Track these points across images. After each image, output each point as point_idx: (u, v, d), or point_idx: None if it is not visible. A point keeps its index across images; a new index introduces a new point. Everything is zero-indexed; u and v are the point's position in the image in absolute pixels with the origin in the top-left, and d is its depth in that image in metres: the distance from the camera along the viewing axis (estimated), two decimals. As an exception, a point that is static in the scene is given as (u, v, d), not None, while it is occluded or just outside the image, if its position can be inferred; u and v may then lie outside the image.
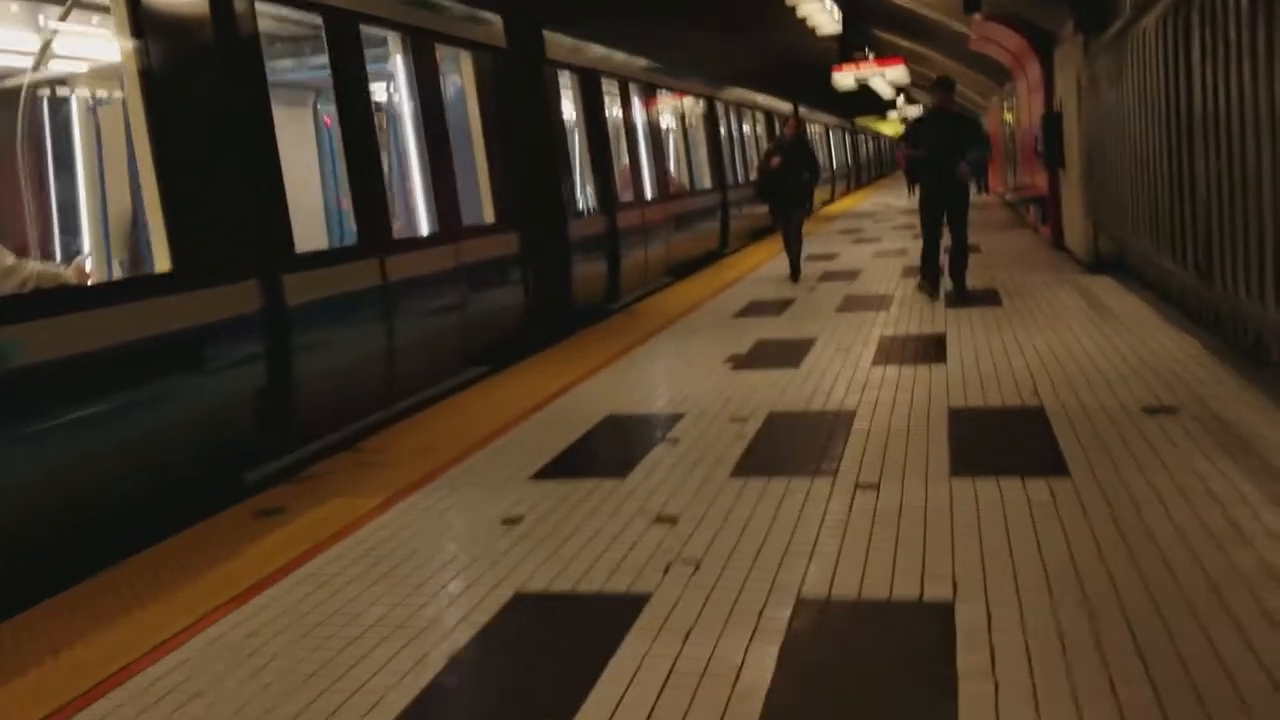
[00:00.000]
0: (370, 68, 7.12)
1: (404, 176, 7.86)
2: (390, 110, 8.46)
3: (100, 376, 4.57)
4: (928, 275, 10.21)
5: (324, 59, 6.55)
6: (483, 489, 4.89)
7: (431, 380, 7.37)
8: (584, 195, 11.93)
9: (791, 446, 5.34)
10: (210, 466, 5.22)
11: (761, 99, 23.09)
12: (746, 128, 20.42)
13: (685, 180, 16.10)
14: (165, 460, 4.92)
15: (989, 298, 9.81)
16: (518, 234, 9.09)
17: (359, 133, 6.78)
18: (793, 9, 16.97)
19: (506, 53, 9.33)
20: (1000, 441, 5.18)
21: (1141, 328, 7.73)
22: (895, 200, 29.54)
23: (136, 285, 5.27)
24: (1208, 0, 5.55)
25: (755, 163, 18.54)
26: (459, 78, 8.67)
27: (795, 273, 12.18)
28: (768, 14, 23.63)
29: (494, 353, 8.53)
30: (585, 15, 19.15)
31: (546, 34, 10.52)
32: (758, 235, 19.18)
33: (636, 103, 13.89)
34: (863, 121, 51.69)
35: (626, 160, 13.18)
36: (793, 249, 12.22)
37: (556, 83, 10.84)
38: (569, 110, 11.68)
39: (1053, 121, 12.29)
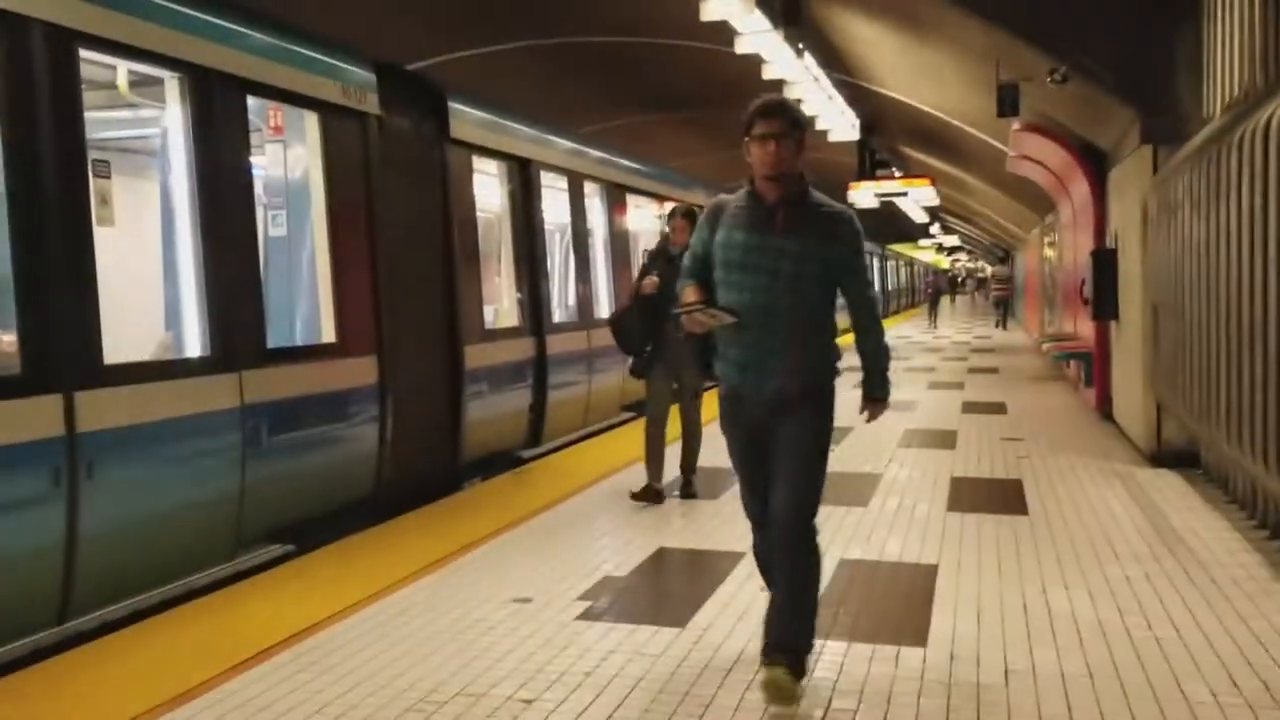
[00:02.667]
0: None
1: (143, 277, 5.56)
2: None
3: None
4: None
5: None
6: None
7: (163, 579, 5.00)
8: (498, 311, 9.29)
9: None
10: None
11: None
12: None
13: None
14: None
15: (1011, 497, 6.96)
16: (375, 358, 6.71)
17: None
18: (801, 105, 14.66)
19: (383, 121, 7.03)
20: None
21: (1251, 596, 4.84)
22: (918, 333, 26.85)
23: None
24: None
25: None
26: (300, 147, 6.37)
27: (683, 485, 6.94)
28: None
29: (327, 522, 6.12)
30: (578, 121, 17.43)
31: (455, 107, 8.07)
32: None
33: (595, 205, 11.43)
34: (896, 248, 49.51)
35: (571, 273, 10.72)
36: (673, 444, 6.93)
37: (468, 169, 8.38)
38: (485, 205, 9.08)
39: (1104, 260, 9.61)
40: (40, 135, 4.47)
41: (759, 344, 3.71)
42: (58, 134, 4.55)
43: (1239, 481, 6.58)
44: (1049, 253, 17.96)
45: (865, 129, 16.63)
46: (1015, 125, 10.92)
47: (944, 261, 79.22)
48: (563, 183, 10.49)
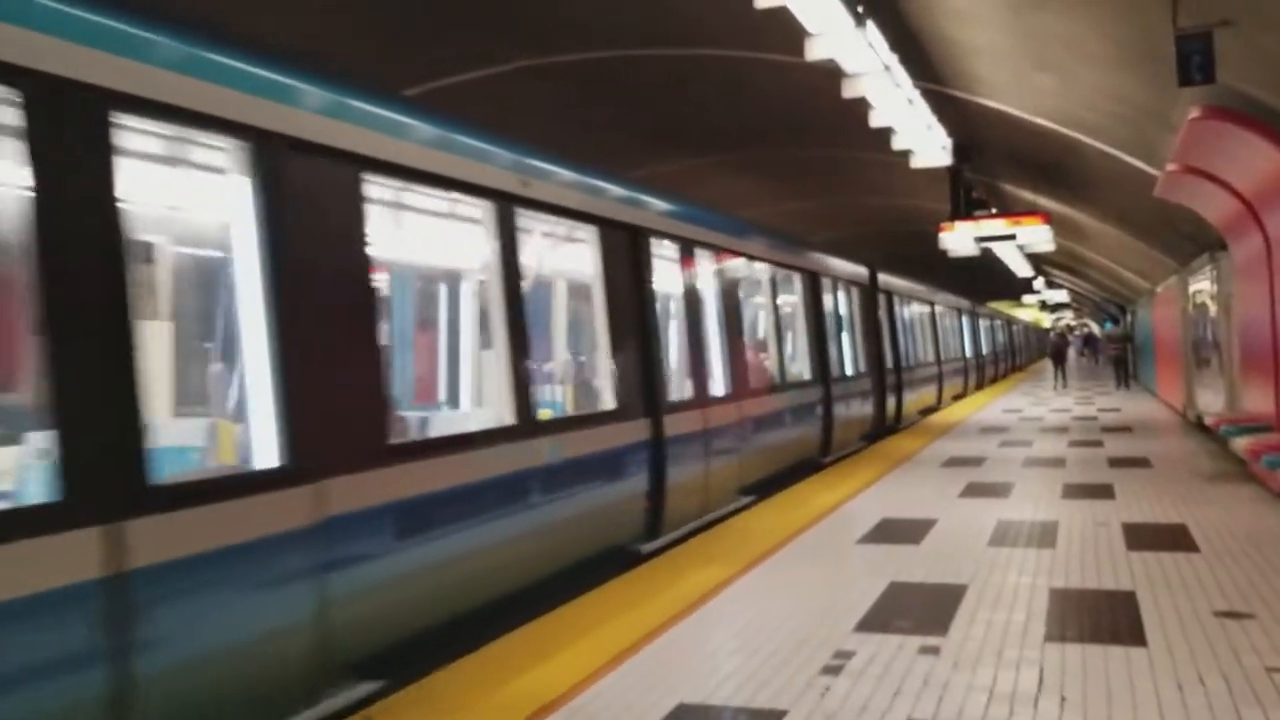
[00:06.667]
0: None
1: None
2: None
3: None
4: None
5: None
6: None
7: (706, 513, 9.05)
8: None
9: None
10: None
11: (941, 297, 25.05)
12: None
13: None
14: None
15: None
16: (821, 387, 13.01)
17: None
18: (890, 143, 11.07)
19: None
20: None
21: None
22: (1032, 406, 22.68)
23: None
24: None
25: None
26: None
27: None
28: (877, 175, 18.02)
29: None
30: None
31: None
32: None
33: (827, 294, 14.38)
34: (994, 306, 45.17)
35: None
36: None
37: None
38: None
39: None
40: (628, 299, 7.94)
41: None
42: (638, 294, 8.10)
43: None
44: (1207, 304, 13.96)
45: (958, 154, 13.00)
46: (1193, 112, 7.22)
47: (1045, 320, 74.13)
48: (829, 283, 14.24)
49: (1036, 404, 23.64)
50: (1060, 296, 47.27)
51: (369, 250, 5.09)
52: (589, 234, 7.51)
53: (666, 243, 8.71)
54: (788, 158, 16.92)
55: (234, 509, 4.13)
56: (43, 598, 3.36)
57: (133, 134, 4.28)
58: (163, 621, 3.76)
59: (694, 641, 5.46)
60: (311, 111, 4.77)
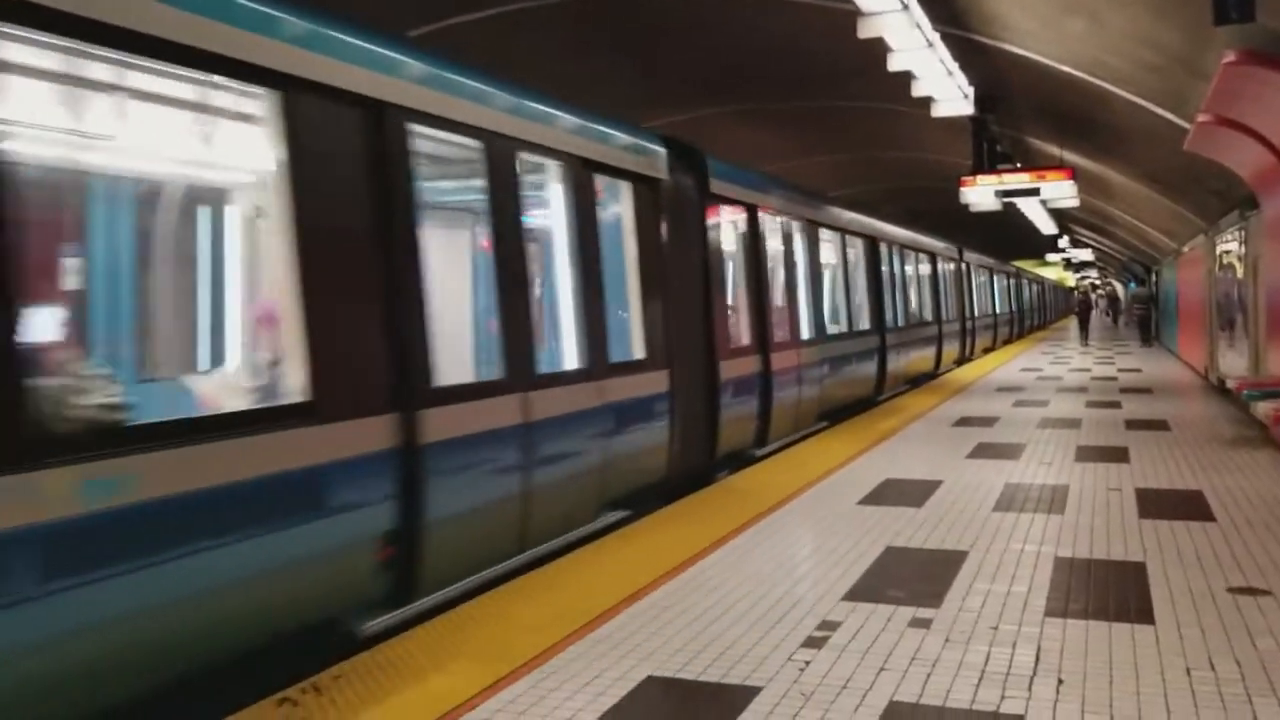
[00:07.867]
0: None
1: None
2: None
3: None
4: None
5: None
6: None
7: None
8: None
9: None
10: None
11: (997, 265, 31.27)
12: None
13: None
14: None
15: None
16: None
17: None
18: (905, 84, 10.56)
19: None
20: None
21: None
22: (1051, 365, 22.20)
23: None
24: None
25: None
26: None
27: None
28: (896, 130, 17.45)
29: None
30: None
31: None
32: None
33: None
34: (1020, 264, 44.41)
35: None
36: None
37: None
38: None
39: None
40: (871, 274, 16.03)
41: None
42: (873, 272, 16.11)
43: None
44: (1234, 264, 13.48)
45: (981, 104, 12.46)
46: (1228, 56, 6.76)
47: (1070, 279, 73.11)
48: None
49: (1056, 362, 23.19)
50: (1085, 255, 46.43)
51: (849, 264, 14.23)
52: (863, 247, 15.20)
53: (882, 244, 16.07)
54: (801, 109, 16.37)
55: (786, 354, 10.77)
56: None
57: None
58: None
59: (673, 607, 5.19)
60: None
